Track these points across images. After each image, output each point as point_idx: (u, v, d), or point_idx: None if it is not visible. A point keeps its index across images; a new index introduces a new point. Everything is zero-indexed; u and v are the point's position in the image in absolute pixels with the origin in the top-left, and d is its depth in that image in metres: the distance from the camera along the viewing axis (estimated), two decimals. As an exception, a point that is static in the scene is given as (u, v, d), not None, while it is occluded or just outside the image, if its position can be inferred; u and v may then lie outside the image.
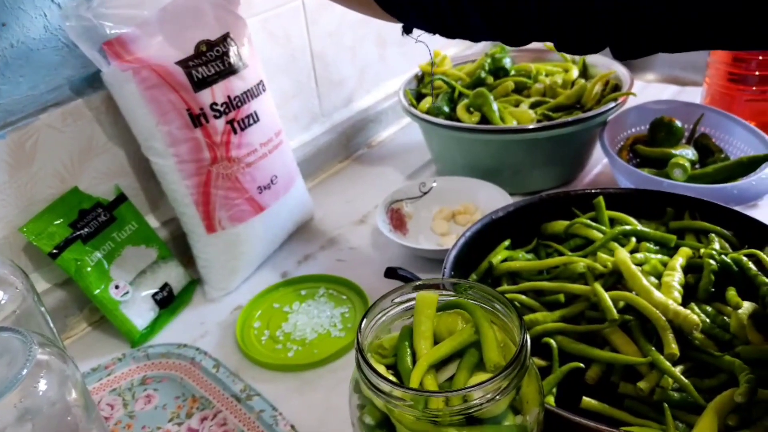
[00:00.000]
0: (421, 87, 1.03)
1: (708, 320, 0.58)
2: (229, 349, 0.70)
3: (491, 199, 0.85)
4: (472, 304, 0.40)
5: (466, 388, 0.34)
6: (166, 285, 0.76)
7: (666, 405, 0.52)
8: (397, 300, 0.42)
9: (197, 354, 0.68)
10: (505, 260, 0.70)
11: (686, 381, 0.54)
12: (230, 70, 0.71)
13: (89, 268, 0.70)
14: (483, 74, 0.99)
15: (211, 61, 0.69)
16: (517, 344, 0.36)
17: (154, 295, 0.75)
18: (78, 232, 0.70)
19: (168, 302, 0.76)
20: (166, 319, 0.75)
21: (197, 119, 0.69)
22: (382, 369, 0.39)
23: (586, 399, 0.54)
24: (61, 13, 0.64)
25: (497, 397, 0.34)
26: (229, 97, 0.71)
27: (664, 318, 0.57)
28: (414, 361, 0.39)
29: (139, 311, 0.73)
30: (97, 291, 0.70)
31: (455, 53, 1.28)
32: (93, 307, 0.75)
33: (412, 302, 0.42)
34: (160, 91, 0.67)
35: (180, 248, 0.81)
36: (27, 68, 0.66)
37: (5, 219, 0.68)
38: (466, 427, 0.35)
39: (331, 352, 0.67)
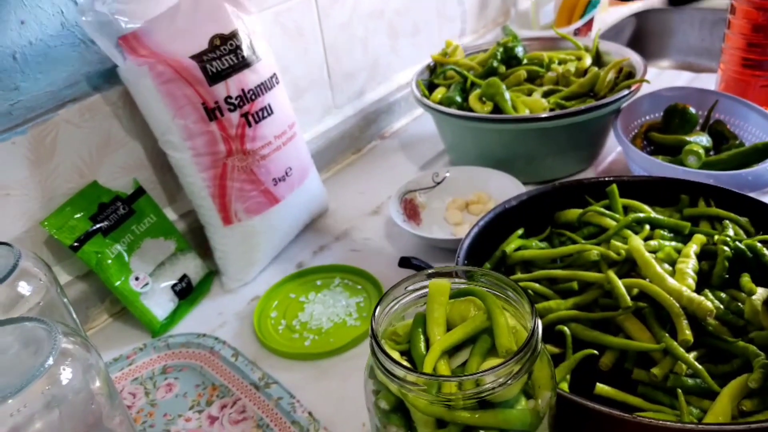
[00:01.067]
0: (433, 77, 1.03)
1: (722, 306, 0.59)
2: (247, 339, 0.72)
3: (504, 188, 0.85)
4: (484, 290, 0.41)
5: (479, 373, 0.35)
6: (184, 276, 0.77)
7: (680, 391, 0.53)
8: (410, 288, 0.42)
9: (216, 343, 0.70)
10: (518, 249, 0.70)
11: (700, 367, 0.54)
12: (244, 64, 0.72)
13: (110, 261, 0.71)
14: (495, 63, 0.98)
15: (224, 54, 0.70)
16: (529, 330, 0.37)
17: (173, 287, 0.76)
18: (98, 225, 0.71)
19: (187, 293, 0.77)
20: (186, 310, 0.77)
21: (212, 113, 0.70)
22: (396, 355, 0.40)
23: (599, 385, 0.55)
24: (78, 8, 0.66)
25: (509, 381, 0.35)
26: (243, 90, 0.72)
27: (677, 305, 0.57)
28: (427, 348, 0.39)
29: (159, 302, 0.74)
30: (118, 283, 0.71)
31: (467, 43, 1.28)
32: (114, 298, 0.77)
33: (425, 290, 0.42)
34: (175, 85, 0.68)
35: (198, 240, 0.82)
36: (45, 65, 0.68)
37: (27, 213, 0.69)
38: (478, 411, 0.36)
39: (347, 340, 0.68)
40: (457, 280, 0.43)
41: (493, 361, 0.36)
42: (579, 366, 0.57)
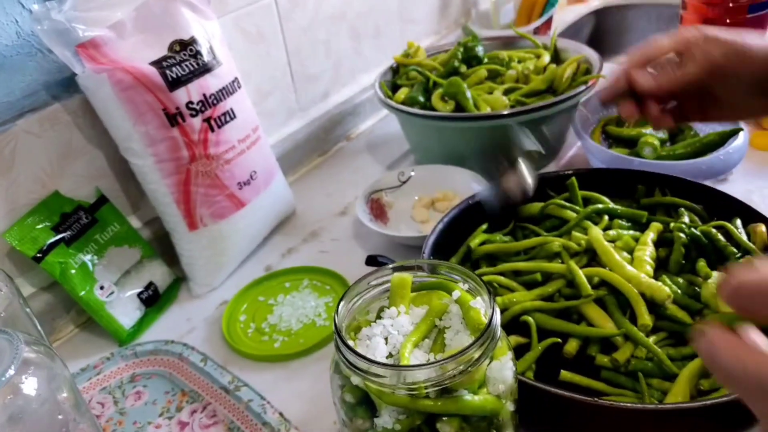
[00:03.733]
0: (396, 78, 1.04)
1: (680, 291, 0.60)
2: (216, 344, 0.71)
3: (469, 185, 0.86)
4: (446, 280, 0.42)
5: (440, 361, 0.35)
6: (151, 284, 0.77)
7: (640, 374, 0.54)
8: (373, 282, 0.43)
9: (185, 349, 0.69)
10: (483, 243, 0.71)
11: (659, 351, 0.55)
12: (204, 69, 0.72)
13: (74, 271, 0.70)
14: (456, 63, 1.00)
15: (184, 60, 0.70)
16: (488, 317, 0.38)
17: (139, 294, 0.75)
18: (61, 236, 0.71)
19: (154, 300, 0.77)
20: (153, 317, 0.76)
21: (174, 118, 0.70)
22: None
23: (564, 372, 0.56)
24: (33, 17, 0.65)
25: (470, 368, 0.36)
26: (204, 95, 0.72)
27: (636, 291, 0.59)
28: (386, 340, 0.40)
29: (125, 310, 0.74)
30: (83, 292, 0.71)
31: (429, 44, 1.29)
32: (79, 309, 0.76)
33: (388, 284, 0.43)
34: (135, 92, 0.67)
35: (163, 247, 0.82)
36: (1, 75, 0.67)
37: (-13, 225, 0.68)
38: (441, 399, 0.36)
39: (317, 340, 0.69)
40: (420, 273, 0.44)
41: (455, 350, 0.37)
42: (544, 354, 0.58)
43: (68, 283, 0.70)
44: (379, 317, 0.41)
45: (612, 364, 0.57)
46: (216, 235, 0.77)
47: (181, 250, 0.78)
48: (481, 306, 0.39)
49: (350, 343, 0.38)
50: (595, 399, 0.49)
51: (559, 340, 0.58)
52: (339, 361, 0.39)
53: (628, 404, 0.49)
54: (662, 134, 0.89)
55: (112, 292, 0.73)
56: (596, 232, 0.66)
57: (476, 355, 0.36)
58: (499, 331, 0.38)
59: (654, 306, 0.59)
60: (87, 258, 0.72)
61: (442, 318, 0.40)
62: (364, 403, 0.39)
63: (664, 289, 0.58)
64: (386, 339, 0.39)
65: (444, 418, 0.37)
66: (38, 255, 0.68)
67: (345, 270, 0.78)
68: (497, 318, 0.38)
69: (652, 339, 0.57)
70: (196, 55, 0.71)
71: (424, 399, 0.36)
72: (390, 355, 0.38)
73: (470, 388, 0.37)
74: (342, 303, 0.41)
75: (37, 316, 0.57)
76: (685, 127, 0.92)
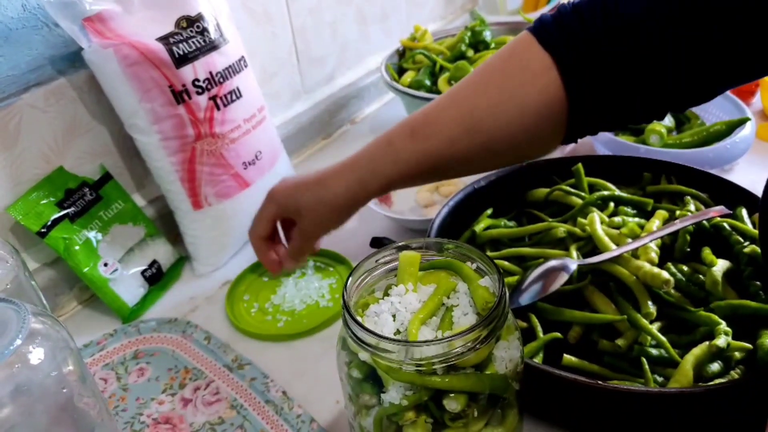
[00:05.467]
0: (402, 62, 1.03)
1: (684, 279, 0.60)
2: (219, 323, 0.72)
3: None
4: (453, 259, 0.42)
5: (448, 338, 0.35)
6: (154, 262, 0.77)
7: (644, 359, 0.54)
8: (381, 260, 0.43)
9: (188, 327, 0.69)
10: (487, 228, 0.71)
11: (663, 338, 0.55)
12: (211, 46, 0.71)
13: (77, 247, 0.70)
14: (463, 48, 0.99)
15: (191, 37, 0.70)
16: (497, 296, 0.38)
17: (143, 272, 0.75)
18: (65, 211, 0.70)
19: (157, 279, 0.77)
20: (156, 296, 0.76)
21: (180, 96, 0.69)
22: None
23: (566, 356, 0.56)
24: (40, -10, 0.64)
25: (477, 346, 0.36)
26: (211, 73, 0.71)
27: (634, 277, 0.59)
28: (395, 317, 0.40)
29: (128, 288, 0.74)
30: (86, 269, 0.71)
31: (436, 28, 1.28)
32: (83, 285, 0.76)
33: (396, 263, 0.43)
34: (141, 68, 0.67)
35: (167, 226, 0.82)
36: (6, 48, 0.66)
37: (-8, 199, 0.68)
38: (448, 375, 0.36)
39: (321, 321, 0.69)
40: (428, 252, 0.44)
41: (463, 327, 0.37)
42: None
43: (72, 259, 0.70)
44: (386, 295, 0.41)
45: (614, 349, 0.57)
46: (220, 215, 0.77)
47: (185, 229, 0.78)
48: (489, 285, 0.39)
49: (359, 318, 0.38)
50: (599, 382, 0.49)
51: (560, 335, 0.58)
52: (347, 336, 0.39)
53: (633, 387, 0.49)
54: (669, 122, 0.89)
55: (115, 270, 0.73)
56: (592, 217, 0.65)
57: (484, 333, 0.36)
58: (508, 309, 0.38)
59: (658, 293, 0.59)
60: (91, 234, 0.72)
61: (450, 296, 0.40)
62: (371, 379, 0.39)
63: (664, 274, 0.58)
64: (394, 316, 0.39)
65: (451, 395, 0.37)
66: (42, 230, 0.68)
67: (349, 252, 0.78)
68: (506, 296, 0.38)
69: (655, 326, 0.57)
70: (203, 32, 0.71)
71: (431, 375, 0.36)
72: (397, 332, 0.38)
73: (477, 366, 0.37)
74: (350, 279, 0.41)
75: (41, 291, 0.57)
76: (692, 116, 0.92)
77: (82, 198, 0.72)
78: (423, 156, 0.59)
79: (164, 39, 0.68)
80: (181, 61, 0.69)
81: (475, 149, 0.58)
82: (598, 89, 0.54)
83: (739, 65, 0.50)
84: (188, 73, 0.70)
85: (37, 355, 0.43)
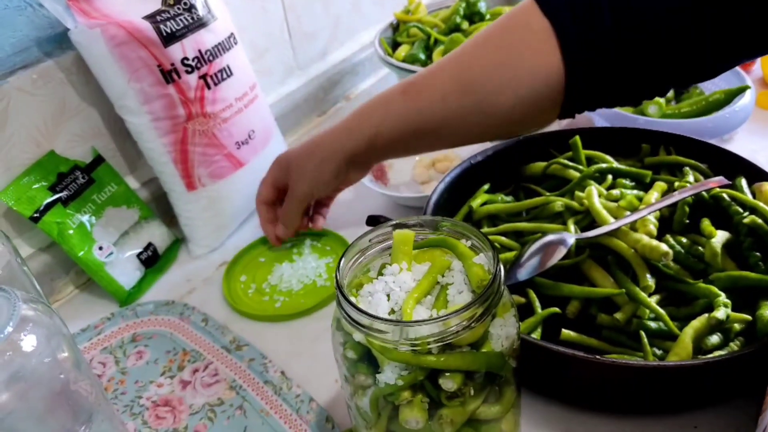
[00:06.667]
0: (396, 35, 1.02)
1: (683, 251, 0.60)
2: (216, 304, 0.71)
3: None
4: (448, 237, 0.41)
5: (443, 317, 0.35)
6: (150, 245, 0.76)
7: (642, 333, 0.54)
8: (374, 239, 0.42)
9: (185, 309, 0.69)
10: (484, 204, 0.70)
11: (661, 311, 0.55)
12: (199, 23, 0.70)
13: (71, 231, 0.70)
14: (458, 20, 0.98)
15: (179, 14, 0.68)
16: (492, 274, 0.37)
17: (138, 255, 0.75)
18: (58, 195, 0.70)
19: (153, 261, 0.76)
20: (153, 278, 0.76)
21: (169, 75, 0.68)
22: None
23: (565, 331, 0.56)
24: (22, -30, 0.63)
25: (473, 324, 0.35)
26: (200, 51, 0.70)
27: (632, 250, 0.59)
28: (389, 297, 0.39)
29: (124, 271, 0.73)
30: (81, 253, 0.70)
31: (430, 0, 1.26)
32: (79, 269, 0.75)
33: (390, 241, 0.42)
34: (129, 47, 0.66)
35: (162, 208, 0.81)
36: (-9, 30, 0.65)
37: (-18, 185, 0.67)
38: (444, 354, 0.36)
39: (318, 300, 0.69)
40: (422, 230, 0.43)
41: (458, 306, 0.37)
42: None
43: (66, 244, 0.69)
44: (381, 274, 0.40)
45: (613, 323, 0.57)
46: (215, 196, 0.77)
47: (180, 211, 0.77)
48: (484, 262, 0.39)
49: (352, 299, 0.38)
50: (597, 356, 0.48)
51: (559, 310, 0.58)
52: (341, 317, 0.38)
53: (632, 362, 0.49)
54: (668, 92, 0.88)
55: (111, 253, 0.72)
56: (590, 191, 0.65)
57: (479, 312, 0.36)
58: (503, 287, 0.38)
59: (657, 267, 0.58)
60: (85, 218, 0.71)
61: (445, 275, 0.40)
62: (366, 360, 0.39)
63: (661, 246, 0.57)
64: (388, 296, 0.38)
65: (447, 374, 0.37)
66: (35, 215, 0.68)
67: (345, 231, 0.78)
68: (501, 274, 0.37)
69: (654, 299, 0.57)
70: (191, 8, 0.69)
71: (426, 355, 0.36)
72: (392, 312, 0.38)
73: (473, 345, 0.37)
74: (343, 259, 0.41)
75: (36, 277, 0.57)
76: (691, 87, 0.91)
77: (74, 182, 0.72)
78: (414, 112, 0.58)
79: (151, 17, 0.67)
80: (169, 39, 0.67)
81: (467, 110, 0.57)
82: (600, 65, 0.52)
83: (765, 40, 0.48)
84: (177, 51, 0.68)
85: (29, 341, 0.42)
